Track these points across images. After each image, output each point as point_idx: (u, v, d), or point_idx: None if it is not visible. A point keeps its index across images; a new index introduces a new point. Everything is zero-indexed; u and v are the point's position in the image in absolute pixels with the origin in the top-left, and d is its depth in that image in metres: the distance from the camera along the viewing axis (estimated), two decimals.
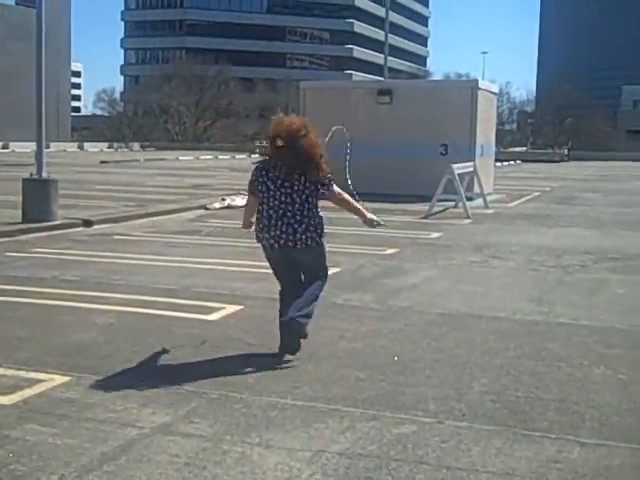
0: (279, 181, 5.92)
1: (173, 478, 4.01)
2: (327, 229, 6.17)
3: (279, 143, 5.83)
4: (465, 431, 4.63)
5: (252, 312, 7.67)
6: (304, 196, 5.91)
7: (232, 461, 4.21)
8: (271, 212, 5.94)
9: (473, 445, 4.43)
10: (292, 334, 5.96)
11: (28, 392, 5.28)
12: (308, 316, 6.01)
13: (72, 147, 64.75)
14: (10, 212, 14.63)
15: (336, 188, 6.05)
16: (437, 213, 17.17)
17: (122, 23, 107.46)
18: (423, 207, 17.48)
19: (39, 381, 5.51)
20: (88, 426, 4.69)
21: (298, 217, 5.90)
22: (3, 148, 53.04)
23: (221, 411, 4.95)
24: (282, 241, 5.94)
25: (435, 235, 13.77)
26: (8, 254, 10.97)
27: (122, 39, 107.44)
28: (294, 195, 5.90)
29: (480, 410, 4.98)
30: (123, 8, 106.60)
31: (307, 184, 5.91)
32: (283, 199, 5.91)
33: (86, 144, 66.32)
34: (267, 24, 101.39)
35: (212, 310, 7.66)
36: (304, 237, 5.92)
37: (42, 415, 4.88)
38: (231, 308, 7.79)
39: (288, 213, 5.90)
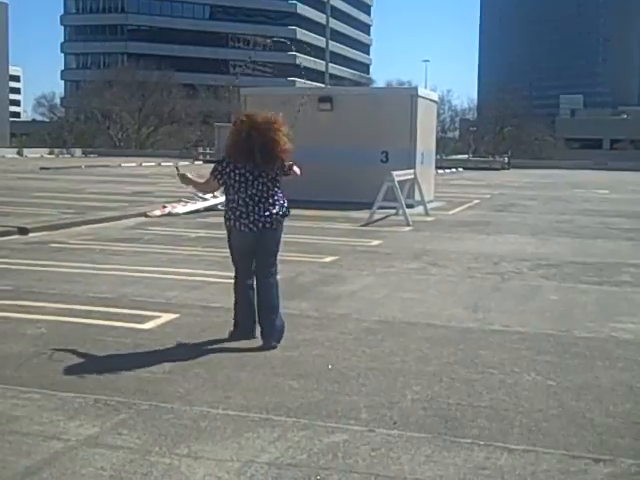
0: (256, 171, 6.55)
1: None
2: None
3: (255, 135, 6.40)
4: (396, 439, 4.64)
5: (187, 320, 7.59)
6: (275, 181, 6.70)
7: (159, 473, 4.14)
8: (248, 200, 6.53)
9: (403, 453, 4.44)
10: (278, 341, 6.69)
11: None
12: (280, 320, 6.78)
13: (11, 153, 63.49)
14: None
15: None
16: (378, 220, 17.25)
17: (62, 27, 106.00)
18: (364, 214, 17.55)
19: None
20: (11, 439, 4.58)
21: (271, 200, 6.64)
22: None
23: (150, 422, 4.88)
24: (260, 224, 6.57)
25: (375, 243, 13.83)
26: None
27: (62, 43, 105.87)
28: (269, 183, 6.64)
29: (412, 418, 5.00)
30: (63, 12, 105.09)
31: (278, 171, 6.68)
32: (260, 187, 6.58)
33: (26, 150, 65.10)
34: (210, 30, 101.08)
35: (147, 319, 7.56)
36: (278, 216, 6.69)
37: None
38: (167, 317, 7.69)
39: (263, 199, 6.59)
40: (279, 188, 6.75)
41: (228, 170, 6.55)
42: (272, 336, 6.61)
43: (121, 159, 54.08)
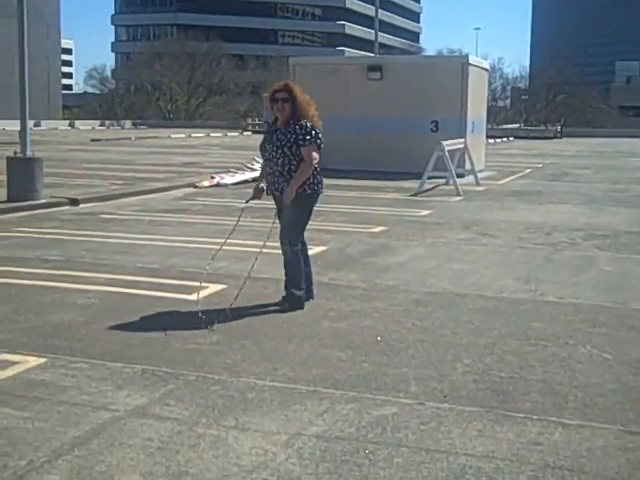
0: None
1: (145, 463, 3.91)
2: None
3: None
4: (446, 413, 4.54)
5: (234, 291, 7.54)
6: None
7: (206, 445, 4.11)
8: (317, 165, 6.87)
9: (454, 427, 4.34)
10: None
11: (1, 374, 5.17)
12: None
13: (63, 125, 64.34)
14: None
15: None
16: (427, 190, 17.04)
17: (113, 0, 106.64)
18: (413, 184, 17.35)
19: (13, 363, 5.40)
20: (60, 409, 4.58)
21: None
22: None
23: (197, 393, 4.85)
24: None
25: (424, 213, 13.66)
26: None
27: (113, 16, 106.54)
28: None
29: (462, 391, 4.89)
30: None
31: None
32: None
33: (78, 122, 65.91)
34: (258, 0, 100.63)
35: (194, 290, 7.54)
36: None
37: (14, 398, 4.78)
38: (214, 287, 7.67)
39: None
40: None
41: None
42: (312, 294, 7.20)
43: (170, 130, 54.36)
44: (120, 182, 17.96)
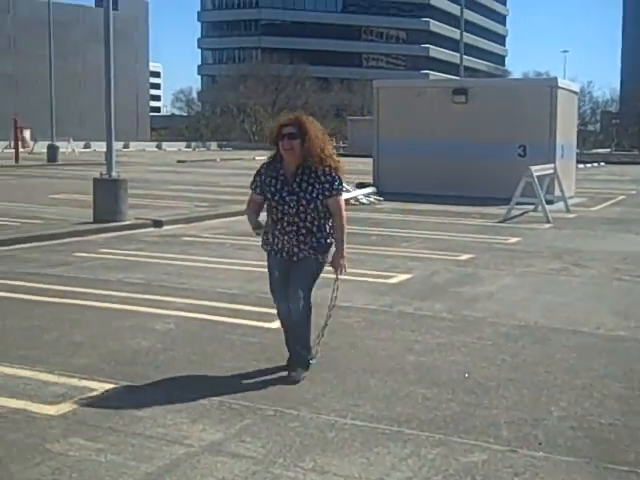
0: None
1: None
2: (395, 232, 5.97)
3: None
4: (541, 462, 4.19)
5: (314, 320, 7.31)
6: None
7: None
8: None
9: (550, 479, 3.99)
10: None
11: (77, 402, 5.05)
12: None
13: (151, 147, 65.71)
14: (83, 211, 14.66)
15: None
16: (515, 217, 16.54)
17: (199, 24, 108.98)
18: (500, 210, 16.88)
19: (90, 390, 5.29)
20: (134, 442, 4.42)
21: None
22: (85, 148, 54.13)
23: (275, 429, 4.62)
24: None
25: (513, 240, 13.21)
26: (76, 254, 10.89)
27: (199, 39, 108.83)
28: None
29: (559, 438, 4.52)
30: (200, 9, 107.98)
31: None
32: None
33: (165, 143, 67.21)
34: (343, 23, 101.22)
35: (274, 317, 7.30)
36: None
37: (88, 428, 4.64)
38: None
39: None
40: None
41: None
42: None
43: (255, 152, 54.86)
44: (204, 204, 18.03)
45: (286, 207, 5.43)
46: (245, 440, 4.47)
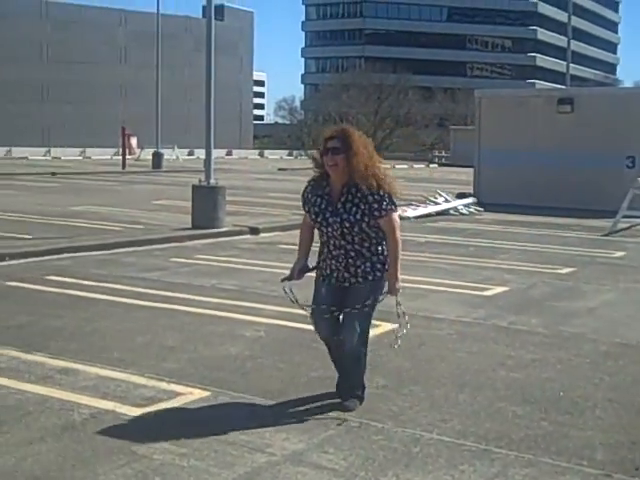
0: None
1: None
2: (493, 243, 5.75)
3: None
4: None
5: (407, 332, 7.18)
6: None
7: None
8: None
9: None
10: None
11: (164, 406, 5.11)
12: None
13: (253, 154, 66.69)
14: (182, 217, 14.94)
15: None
16: (621, 230, 15.95)
17: (303, 33, 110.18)
18: (606, 223, 16.31)
19: (178, 394, 5.33)
20: (217, 448, 4.42)
21: None
22: (189, 155, 55.40)
23: (358, 442, 4.54)
24: None
25: (618, 254, 12.73)
26: (173, 260, 11.09)
27: (303, 49, 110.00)
28: None
29: None
30: (304, 19, 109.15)
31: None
32: None
33: (267, 151, 68.10)
34: (448, 32, 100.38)
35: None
36: None
37: (174, 432, 4.67)
38: (386, 326, 7.33)
39: None
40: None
41: None
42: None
43: None
44: (302, 212, 18.07)
45: (330, 229, 4.96)
46: (327, 451, 4.41)
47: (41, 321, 7.28)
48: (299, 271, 5.27)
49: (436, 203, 19.44)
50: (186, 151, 54.65)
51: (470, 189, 22.17)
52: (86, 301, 8.17)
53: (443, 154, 59.63)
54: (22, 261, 10.54)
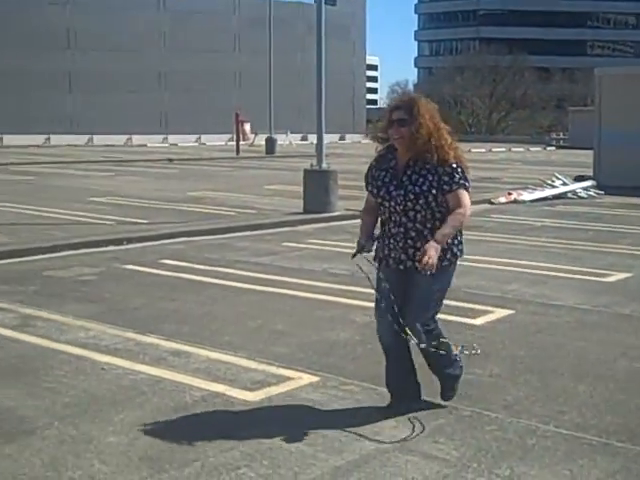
0: None
1: None
2: (614, 227, 5.52)
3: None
4: None
5: (523, 318, 6.97)
6: None
7: None
8: None
9: None
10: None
11: (274, 390, 5.10)
12: None
13: (366, 139, 66.54)
14: (294, 202, 14.99)
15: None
16: None
17: (416, 16, 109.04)
18: None
19: (287, 379, 5.32)
20: (326, 434, 4.37)
21: None
22: (302, 140, 55.75)
23: (470, 432, 4.40)
24: None
25: None
26: (285, 244, 11.13)
27: (416, 31, 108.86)
28: None
29: None
30: (417, 1, 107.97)
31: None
32: None
33: None
34: (566, 10, 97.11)
35: (479, 313, 7.08)
36: None
37: (283, 416, 4.67)
38: (500, 312, 7.15)
39: None
40: None
41: None
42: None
43: (471, 145, 54.06)
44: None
45: (392, 203, 4.52)
46: (438, 441, 4.29)
47: (155, 304, 7.43)
48: (366, 239, 4.63)
49: (553, 186, 18.86)
50: (299, 136, 55.01)
51: (589, 172, 21.39)
52: (199, 285, 8.29)
53: (561, 136, 57.88)
54: (139, 245, 10.81)
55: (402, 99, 4.65)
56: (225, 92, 56.30)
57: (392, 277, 4.61)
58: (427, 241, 4.40)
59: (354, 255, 4.66)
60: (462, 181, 4.49)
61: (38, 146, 42.46)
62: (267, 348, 6.01)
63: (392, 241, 4.57)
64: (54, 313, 6.98)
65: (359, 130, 64.96)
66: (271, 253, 10.35)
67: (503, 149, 49.29)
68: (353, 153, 40.51)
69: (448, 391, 4.80)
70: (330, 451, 4.16)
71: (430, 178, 4.47)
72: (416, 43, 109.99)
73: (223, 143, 48.90)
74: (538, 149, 49.66)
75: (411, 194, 4.46)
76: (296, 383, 5.22)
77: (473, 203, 9.40)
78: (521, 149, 50.25)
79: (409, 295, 4.57)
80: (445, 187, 4.46)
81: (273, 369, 5.51)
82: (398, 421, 4.55)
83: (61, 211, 13.95)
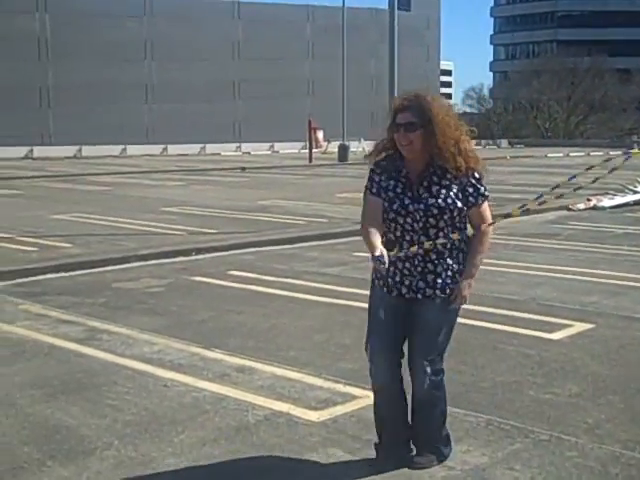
0: None
1: None
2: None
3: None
4: None
5: (604, 332, 6.61)
6: None
7: None
8: None
9: None
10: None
11: (339, 410, 4.90)
12: None
13: None
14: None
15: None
16: None
17: (491, 19, 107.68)
18: None
19: (354, 397, 5.11)
20: None
21: None
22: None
23: (549, 457, 4.11)
24: None
25: None
26: (355, 254, 10.85)
27: (492, 35, 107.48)
28: None
29: None
30: (493, 4, 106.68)
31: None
32: None
33: None
34: None
35: (557, 327, 6.75)
36: None
37: (347, 438, 4.47)
38: (580, 326, 6.79)
39: None
40: None
41: None
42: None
43: (547, 149, 52.90)
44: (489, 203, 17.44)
45: (409, 220, 3.81)
46: (514, 467, 4.02)
47: (221, 317, 7.31)
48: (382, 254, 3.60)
49: (635, 192, 18.18)
50: (372, 143, 54.83)
51: None
52: (266, 297, 8.14)
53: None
54: (207, 256, 10.74)
55: (408, 97, 3.86)
56: (298, 100, 56.51)
57: (394, 307, 3.94)
58: (448, 265, 3.84)
59: (381, 257, 3.57)
60: (487, 192, 3.91)
61: (115, 156, 43.24)
62: (333, 364, 5.81)
63: (407, 265, 3.86)
64: (120, 326, 6.93)
65: None
66: (341, 263, 10.15)
67: (582, 153, 48.06)
68: None
69: (419, 452, 4.07)
70: (397, 477, 3.94)
71: (454, 190, 3.83)
72: (491, 47, 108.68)
73: (296, 151, 48.98)
74: (618, 153, 48.19)
75: (434, 208, 3.78)
76: (362, 402, 5.00)
77: (550, 209, 9.21)
78: (600, 153, 48.97)
79: (421, 333, 3.94)
80: (471, 199, 3.86)
81: (339, 387, 5.31)
82: (470, 445, 4.30)
83: (133, 221, 14.04)
